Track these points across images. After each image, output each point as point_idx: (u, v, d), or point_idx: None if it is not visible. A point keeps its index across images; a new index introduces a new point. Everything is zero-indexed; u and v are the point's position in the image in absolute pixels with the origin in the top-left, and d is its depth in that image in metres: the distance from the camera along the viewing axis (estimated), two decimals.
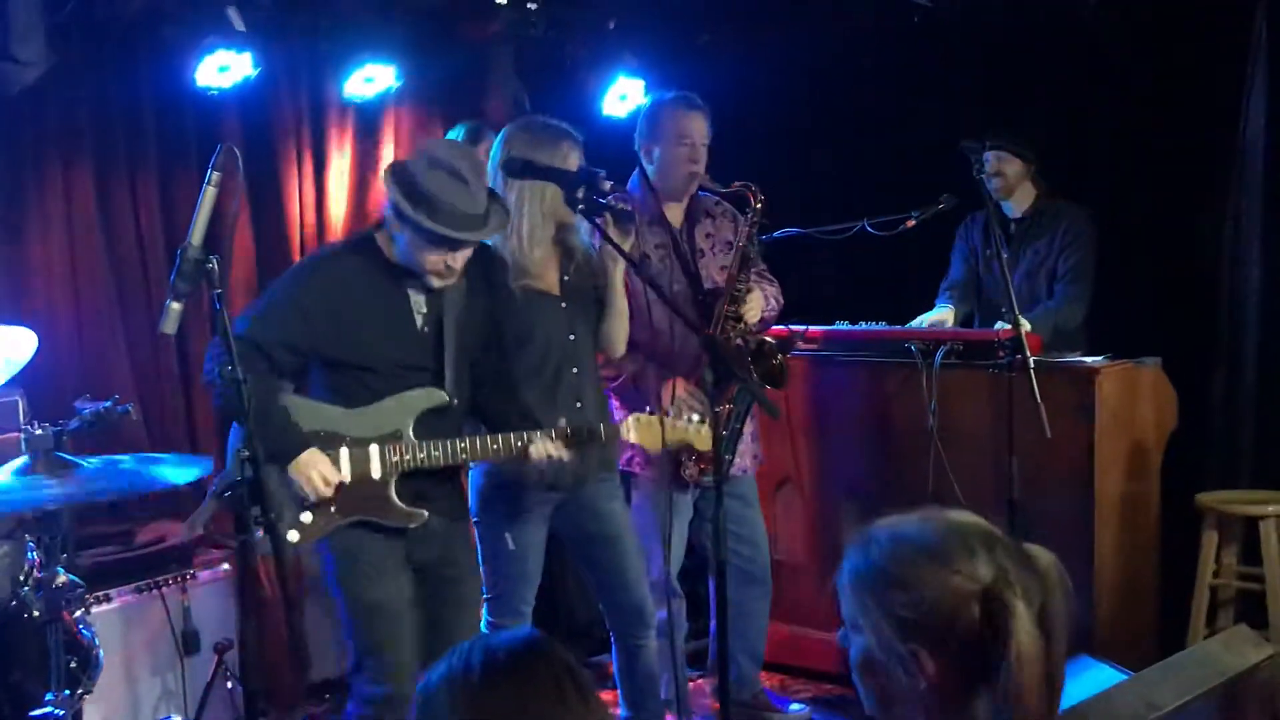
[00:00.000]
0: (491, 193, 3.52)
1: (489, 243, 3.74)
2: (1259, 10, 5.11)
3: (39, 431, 3.01)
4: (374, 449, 3.47)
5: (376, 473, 3.47)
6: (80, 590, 3.51)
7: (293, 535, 3.43)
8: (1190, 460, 5.13)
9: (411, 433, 3.50)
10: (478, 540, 4.05)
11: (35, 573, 3.42)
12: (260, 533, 2.76)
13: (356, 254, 3.54)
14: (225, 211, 2.73)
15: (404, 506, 3.51)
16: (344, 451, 3.46)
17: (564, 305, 3.98)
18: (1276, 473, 5.08)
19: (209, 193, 2.72)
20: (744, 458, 4.57)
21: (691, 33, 6.43)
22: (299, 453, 3.40)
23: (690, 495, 4.46)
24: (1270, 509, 4.71)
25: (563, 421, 3.62)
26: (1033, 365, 4.19)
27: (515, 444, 3.55)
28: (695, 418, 3.79)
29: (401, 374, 3.51)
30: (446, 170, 3.35)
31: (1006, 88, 5.90)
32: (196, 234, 2.70)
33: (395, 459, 3.47)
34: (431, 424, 3.53)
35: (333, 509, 3.45)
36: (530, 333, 3.90)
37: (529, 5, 5.61)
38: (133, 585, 4.40)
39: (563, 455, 3.59)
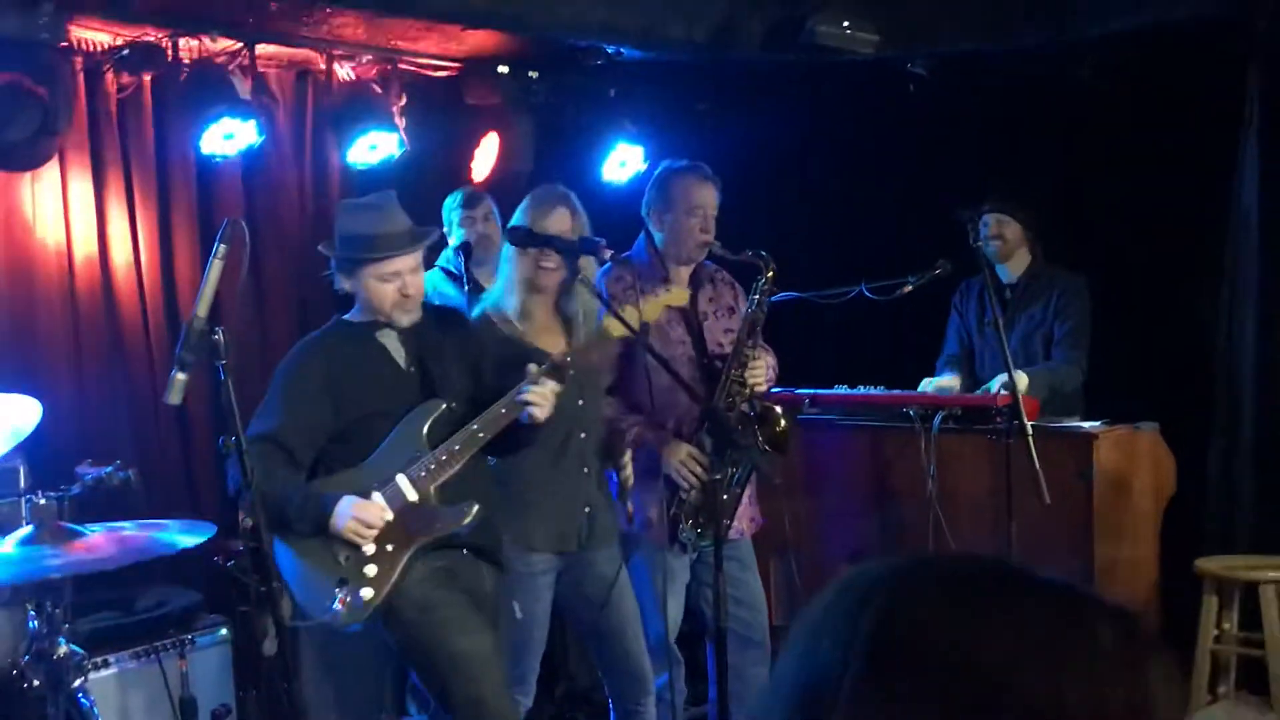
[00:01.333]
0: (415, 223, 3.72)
1: (468, 316, 4.00)
2: (1250, 80, 5.18)
3: (42, 501, 3.02)
4: (400, 477, 3.56)
5: (413, 495, 3.55)
6: (80, 658, 3.50)
7: (367, 593, 3.46)
8: (1188, 525, 5.14)
9: (427, 446, 3.60)
10: None
11: (36, 642, 3.41)
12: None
13: (329, 332, 3.74)
14: (232, 284, 2.75)
15: (453, 507, 3.58)
16: (376, 495, 3.54)
17: (571, 371, 4.01)
18: (1275, 537, 5.08)
19: (216, 265, 2.75)
20: (742, 520, 4.56)
21: (690, 100, 6.52)
22: (328, 521, 3.46)
23: (688, 558, 4.46)
24: (1270, 574, 4.71)
25: (532, 368, 3.64)
26: (1031, 431, 4.21)
27: (514, 398, 3.59)
28: (663, 289, 3.87)
29: (403, 412, 3.64)
30: (359, 209, 3.63)
31: (1002, 154, 5.96)
32: (202, 306, 2.74)
33: (423, 474, 3.57)
34: (440, 433, 3.63)
35: (389, 548, 3.51)
36: None
37: (530, 74, 5.70)
38: (131, 651, 4.38)
39: (556, 389, 3.64)
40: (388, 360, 3.67)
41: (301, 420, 3.55)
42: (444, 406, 3.64)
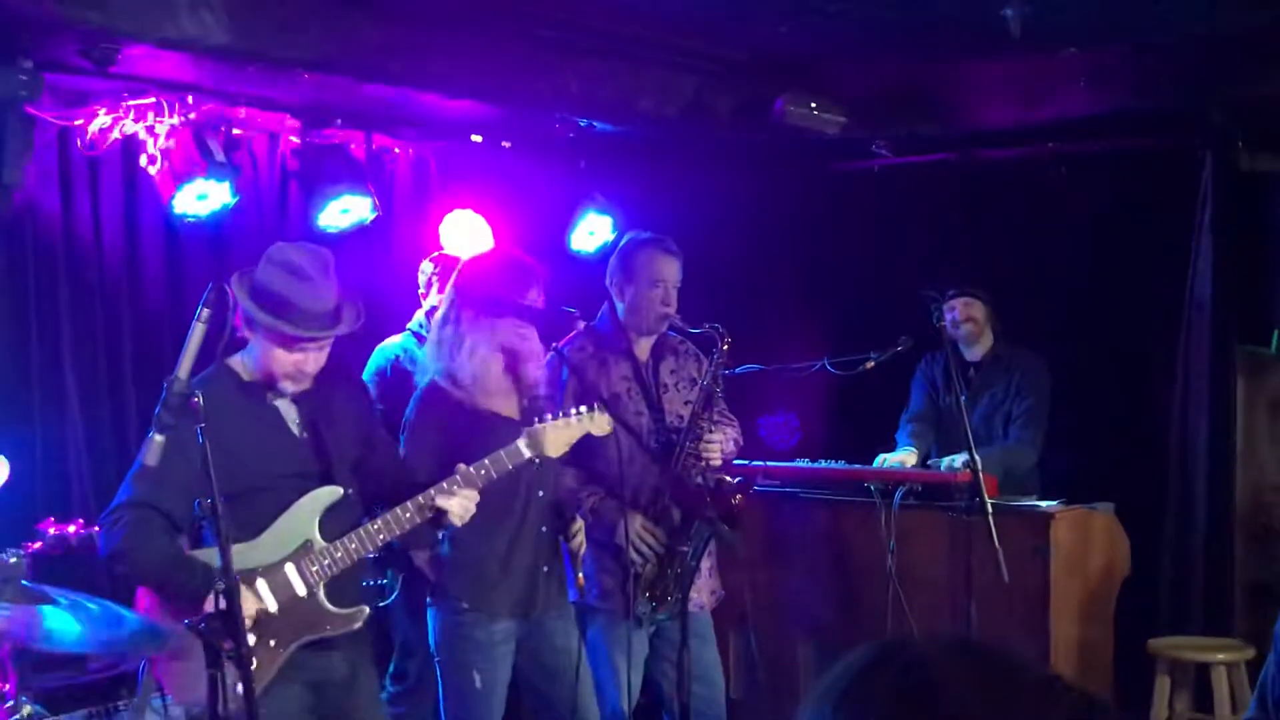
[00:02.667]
0: (342, 297, 3.47)
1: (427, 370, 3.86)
2: (1205, 171, 5.33)
3: (12, 560, 3.00)
4: (289, 568, 3.38)
5: (301, 590, 3.38)
6: (42, 718, 3.46)
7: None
8: (1142, 606, 5.21)
9: (320, 537, 3.42)
10: (439, 678, 4.02)
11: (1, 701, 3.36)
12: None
13: (214, 384, 3.35)
14: (214, 347, 2.76)
15: (342, 610, 3.44)
16: (260, 583, 3.34)
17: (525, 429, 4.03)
18: (1226, 619, 5.16)
19: (198, 329, 2.76)
20: (701, 593, 4.56)
21: (658, 174, 6.61)
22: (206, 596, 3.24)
23: (646, 631, 4.45)
24: (1221, 656, 4.78)
25: (462, 466, 3.58)
26: (991, 509, 4.25)
27: (425, 504, 3.49)
28: (584, 409, 3.79)
29: (293, 484, 3.44)
30: (289, 270, 3.33)
31: (965, 235, 6.09)
32: (183, 368, 2.74)
33: (315, 568, 3.39)
34: (335, 522, 3.45)
35: (272, 643, 3.34)
36: None
37: (504, 145, 5.77)
38: (85, 711, 4.31)
39: (473, 498, 3.55)
40: (280, 425, 3.48)
41: (185, 480, 3.16)
42: (340, 494, 3.46)
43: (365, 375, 4.93)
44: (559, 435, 3.72)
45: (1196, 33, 4.81)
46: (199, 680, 3.19)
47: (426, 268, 5.24)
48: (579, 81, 5.17)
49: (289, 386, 3.43)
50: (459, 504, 3.52)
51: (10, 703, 3.16)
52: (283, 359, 3.37)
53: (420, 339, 5.18)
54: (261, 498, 3.39)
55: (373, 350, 5.09)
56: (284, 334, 3.31)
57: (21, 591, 2.94)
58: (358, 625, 3.45)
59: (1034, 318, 5.80)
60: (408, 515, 3.48)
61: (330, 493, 3.45)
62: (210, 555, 3.27)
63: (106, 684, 4.45)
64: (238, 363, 3.48)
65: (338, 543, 3.42)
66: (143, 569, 3.26)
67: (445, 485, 3.52)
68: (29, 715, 3.22)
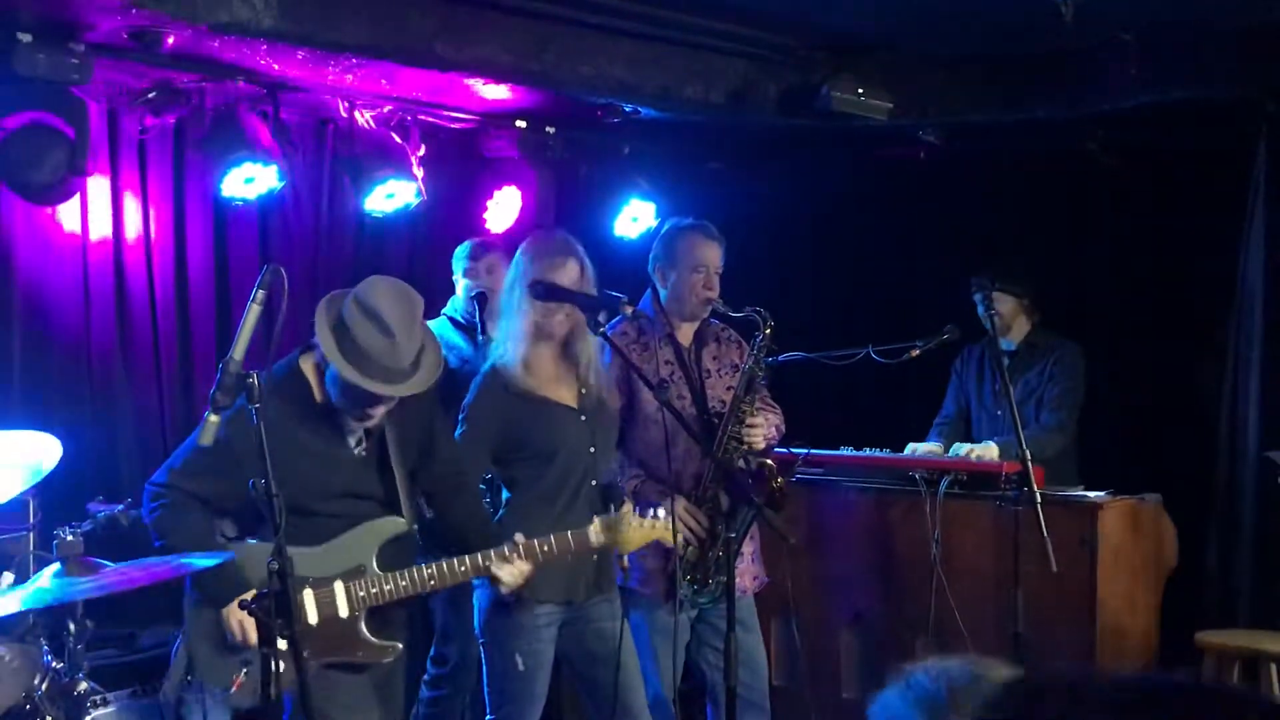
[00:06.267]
0: (424, 344, 3.42)
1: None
2: (1258, 159, 5.26)
3: (70, 538, 3.03)
4: (339, 586, 3.40)
5: (344, 611, 3.41)
6: (100, 695, 3.50)
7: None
8: (1189, 597, 5.15)
9: (375, 565, 3.45)
10: (483, 660, 4.03)
11: (56, 678, 3.40)
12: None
13: (281, 393, 3.34)
14: (270, 329, 2.77)
15: (378, 641, 3.45)
16: (307, 594, 3.36)
17: (583, 418, 4.04)
18: (1275, 612, 5.10)
19: (253, 310, 2.78)
20: (744, 578, 4.55)
21: (702, 160, 6.59)
22: (233, 598, 3.30)
23: (688, 615, 4.44)
24: (1270, 649, 4.72)
25: (519, 536, 3.61)
26: (1040, 499, 4.23)
27: (481, 563, 3.53)
28: (661, 513, 3.80)
29: (351, 504, 3.46)
30: (374, 319, 3.27)
31: (1009, 222, 6.04)
32: (238, 349, 2.76)
33: (362, 594, 3.41)
34: (392, 553, 3.49)
35: (304, 653, 3.25)
36: (556, 446, 3.95)
37: (547, 129, 5.77)
38: (130, 690, 4.36)
39: (526, 571, 3.59)
40: (341, 443, 3.45)
41: (233, 485, 3.23)
42: (403, 527, 3.49)
43: None
44: (633, 535, 3.75)
45: (1252, 22, 4.74)
46: (227, 664, 3.32)
47: (460, 252, 5.23)
48: (625, 66, 5.15)
49: (355, 426, 3.44)
50: (511, 574, 3.57)
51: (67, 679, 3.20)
52: (355, 411, 3.38)
53: (455, 324, 5.18)
54: (316, 513, 3.40)
55: None
56: (359, 387, 3.26)
57: (82, 566, 2.97)
58: (388, 660, 3.48)
59: (1082, 306, 5.76)
60: (463, 570, 3.54)
61: (394, 524, 3.49)
62: (263, 552, 3.24)
63: (156, 662, 4.51)
64: (310, 370, 3.45)
65: (389, 575, 3.45)
66: (179, 549, 3.30)
67: (506, 552, 3.57)
68: (84, 690, 3.26)
